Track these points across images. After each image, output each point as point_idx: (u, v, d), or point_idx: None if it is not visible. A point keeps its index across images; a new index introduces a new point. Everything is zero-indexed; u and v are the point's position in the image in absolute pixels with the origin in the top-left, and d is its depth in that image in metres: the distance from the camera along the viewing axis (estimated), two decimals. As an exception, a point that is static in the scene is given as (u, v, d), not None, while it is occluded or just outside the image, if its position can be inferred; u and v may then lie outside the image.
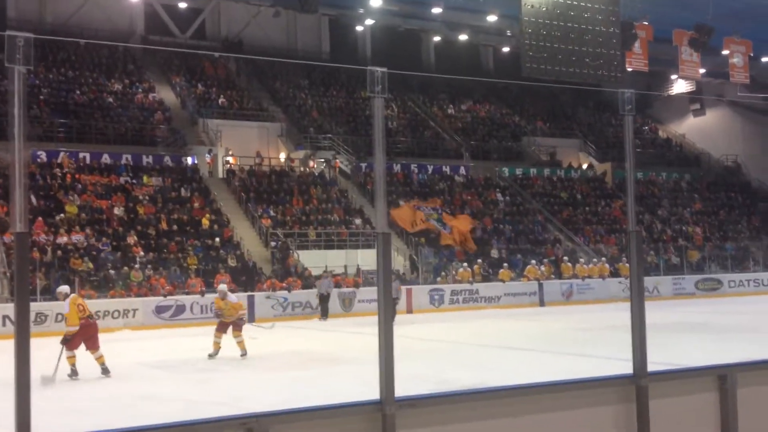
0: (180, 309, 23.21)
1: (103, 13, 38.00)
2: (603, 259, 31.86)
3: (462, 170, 38.01)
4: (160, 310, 23.03)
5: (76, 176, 28.78)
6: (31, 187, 26.21)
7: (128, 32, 38.82)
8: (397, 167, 35.84)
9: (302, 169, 34.75)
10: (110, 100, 34.27)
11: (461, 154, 39.71)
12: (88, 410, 10.44)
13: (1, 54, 3.92)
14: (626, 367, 5.42)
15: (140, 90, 36.01)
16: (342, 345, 17.79)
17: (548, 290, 29.30)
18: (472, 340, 18.15)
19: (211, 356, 15.11)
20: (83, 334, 12.95)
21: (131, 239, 26.27)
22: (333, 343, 18.23)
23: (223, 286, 16.52)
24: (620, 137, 39.38)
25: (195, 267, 25.74)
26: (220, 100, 37.11)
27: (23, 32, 3.84)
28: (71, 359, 12.84)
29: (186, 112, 36.27)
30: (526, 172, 39.83)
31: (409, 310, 26.09)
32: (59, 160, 29.30)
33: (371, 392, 4.57)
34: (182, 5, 38.79)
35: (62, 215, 26.42)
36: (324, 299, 24.69)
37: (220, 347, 15.24)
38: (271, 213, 30.20)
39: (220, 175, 33.11)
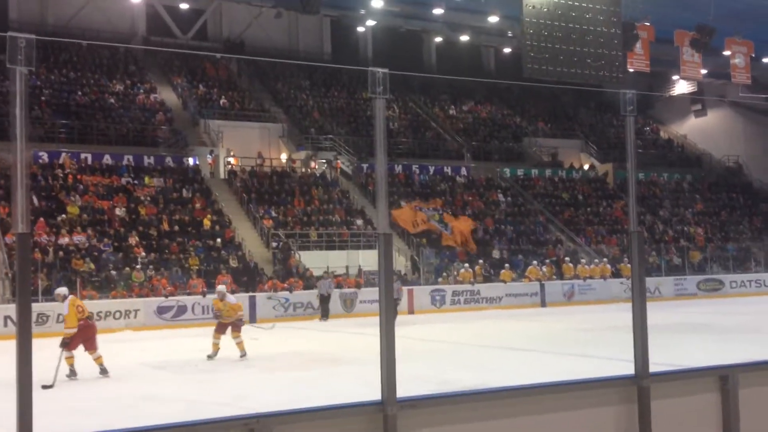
0: (181, 309, 23.22)
1: (105, 15, 38.03)
2: (604, 259, 31.84)
3: (463, 171, 38.01)
4: (161, 310, 23.04)
5: (78, 177, 28.81)
6: (33, 187, 26.22)
7: (130, 33, 38.86)
8: (398, 168, 35.87)
9: (303, 169, 34.76)
10: (112, 101, 34.30)
11: (462, 155, 39.72)
12: (90, 410, 10.44)
13: (3, 55, 3.93)
14: (628, 368, 5.42)
15: (142, 91, 36.04)
16: (343, 345, 17.78)
17: (550, 291, 29.29)
18: (474, 341, 18.14)
19: (210, 357, 15.07)
20: (82, 336, 12.94)
21: (133, 240, 26.29)
22: (334, 344, 18.22)
23: (221, 287, 16.49)
24: (622, 138, 39.34)
25: (196, 268, 25.75)
26: (221, 101, 37.13)
27: (25, 33, 3.84)
28: (70, 359, 12.83)
29: (187, 112, 36.30)
30: (528, 172, 39.82)
31: (411, 311, 26.09)
32: (61, 161, 29.33)
33: (373, 393, 4.57)
34: (184, 6, 38.83)
35: (64, 216, 26.44)
36: (324, 300, 24.70)
37: (219, 348, 15.20)
38: (273, 214, 30.21)
39: (222, 175, 33.13)
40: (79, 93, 33.97)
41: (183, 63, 39.48)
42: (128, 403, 10.83)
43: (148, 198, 28.89)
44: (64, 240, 25.17)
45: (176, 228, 27.84)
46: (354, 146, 36.61)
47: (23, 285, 3.90)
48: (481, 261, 30.15)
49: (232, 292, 22.82)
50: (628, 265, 25.37)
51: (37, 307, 19.22)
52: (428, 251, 30.31)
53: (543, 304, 28.75)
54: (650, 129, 48.80)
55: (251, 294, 24.39)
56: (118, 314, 22.31)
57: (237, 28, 41.14)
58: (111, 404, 10.86)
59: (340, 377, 12.54)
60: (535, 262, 30.36)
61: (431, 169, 37.23)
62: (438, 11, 34.98)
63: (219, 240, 27.54)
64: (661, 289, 30.63)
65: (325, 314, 24.50)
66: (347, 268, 28.13)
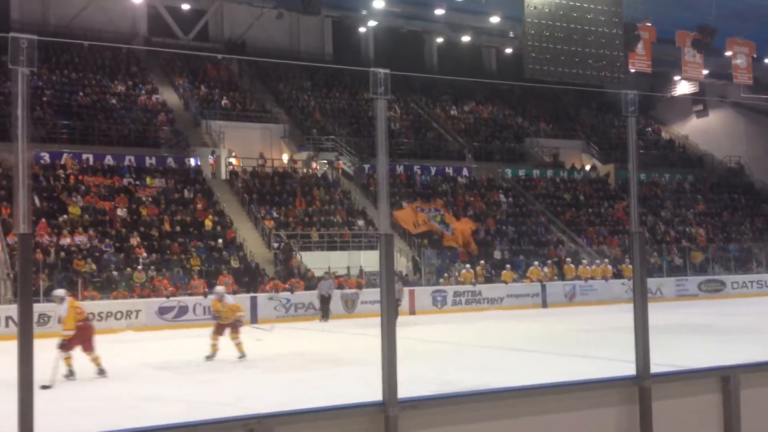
0: (183, 310, 23.22)
1: (106, 15, 38.08)
2: (606, 260, 31.83)
3: (465, 171, 38.01)
4: (162, 311, 23.05)
5: (79, 177, 28.83)
6: (35, 188, 26.24)
7: (131, 34, 38.90)
8: (399, 168, 35.87)
9: (305, 170, 34.77)
10: (113, 101, 34.33)
11: (464, 156, 39.71)
12: (91, 411, 10.44)
13: (5, 56, 3.93)
14: (629, 369, 5.42)
15: (143, 91, 36.06)
16: (345, 346, 17.78)
17: (551, 292, 29.28)
18: (475, 342, 18.14)
19: (208, 358, 14.94)
20: (80, 337, 12.95)
21: (134, 240, 26.30)
22: (336, 345, 18.22)
23: (219, 288, 16.43)
24: (623, 138, 39.35)
25: (198, 268, 25.77)
26: (223, 102, 37.15)
27: (27, 34, 3.84)
28: (67, 360, 12.83)
29: (189, 113, 36.32)
30: (529, 173, 39.81)
31: (412, 312, 26.09)
32: (62, 162, 29.36)
33: (374, 393, 4.57)
34: (185, 7, 38.85)
35: (65, 216, 26.46)
36: (325, 301, 24.69)
37: (217, 349, 15.10)
38: (274, 214, 30.22)
39: (223, 176, 33.14)
40: (81, 94, 34.00)
41: (184, 64, 39.51)
42: (129, 403, 10.83)
43: (150, 198, 28.91)
44: (66, 240, 25.19)
45: (178, 228, 27.85)
46: (355, 147, 36.63)
47: (24, 285, 3.90)
48: (482, 262, 30.15)
49: (234, 292, 22.85)
50: (630, 266, 25.38)
51: (38, 308, 19.22)
52: (429, 252, 30.31)
53: (544, 304, 28.73)
54: (652, 129, 48.79)
55: (252, 295, 24.39)
56: (119, 315, 22.33)
57: (238, 28, 41.17)
58: (112, 404, 10.86)
59: (341, 378, 12.54)
60: (536, 262, 30.35)
61: (433, 170, 37.23)
62: (439, 12, 35.00)
63: (220, 240, 27.55)
64: (663, 289, 30.61)
65: (325, 315, 24.50)
66: (348, 268, 28.14)
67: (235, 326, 15.28)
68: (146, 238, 26.83)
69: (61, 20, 37.46)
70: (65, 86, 34.24)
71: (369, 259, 27.96)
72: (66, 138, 31.25)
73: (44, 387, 11.53)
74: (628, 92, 5.60)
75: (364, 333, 19.05)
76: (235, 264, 26.61)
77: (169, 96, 36.93)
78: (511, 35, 37.37)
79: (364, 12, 36.47)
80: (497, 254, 31.88)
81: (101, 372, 13.05)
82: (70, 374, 12.80)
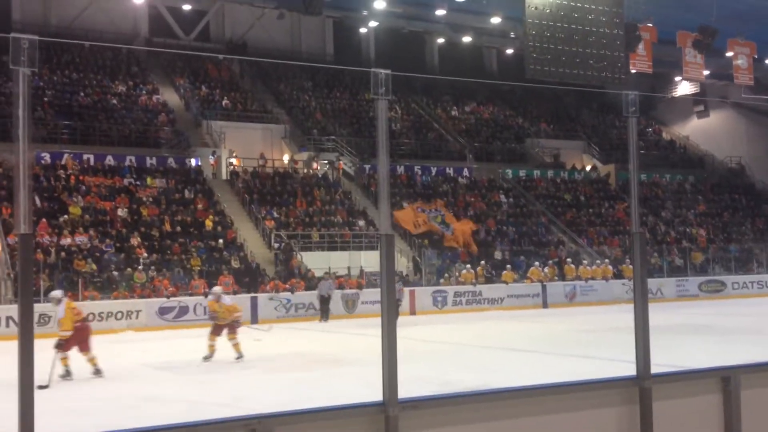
0: (183, 310, 23.22)
1: (108, 16, 38.10)
2: (606, 260, 31.83)
3: (465, 172, 38.01)
4: (163, 311, 23.05)
5: (80, 178, 28.85)
6: (35, 188, 26.26)
7: (132, 34, 38.92)
8: (400, 169, 35.88)
9: (306, 170, 34.78)
10: (114, 101, 34.34)
11: (465, 156, 39.72)
12: (91, 411, 10.44)
13: (6, 56, 3.93)
14: (629, 369, 5.42)
15: (144, 92, 36.07)
16: (345, 346, 17.78)
17: (551, 292, 29.28)
18: (476, 342, 18.14)
19: (205, 359, 14.87)
20: (77, 338, 12.97)
21: (135, 240, 26.31)
22: (336, 345, 18.22)
23: (217, 289, 16.37)
24: (624, 139, 39.32)
25: (198, 268, 25.77)
26: (223, 102, 37.16)
27: (28, 34, 3.84)
28: (64, 360, 12.83)
29: (190, 113, 36.33)
30: (530, 173, 39.81)
31: (413, 312, 26.09)
32: (63, 162, 29.37)
33: (374, 394, 4.57)
34: (186, 7, 38.85)
35: (66, 217, 26.47)
36: (324, 301, 24.69)
37: (215, 350, 15.02)
38: (275, 214, 30.23)
39: (224, 176, 33.16)
40: (82, 94, 34.01)
41: (185, 64, 39.52)
42: (129, 403, 10.83)
43: (150, 199, 28.92)
44: (66, 241, 25.20)
45: (178, 229, 27.86)
46: (356, 147, 36.63)
47: (25, 286, 3.90)
48: (482, 262, 30.15)
49: (234, 293, 22.88)
50: (630, 266, 25.39)
51: (38, 308, 19.21)
52: (430, 252, 30.32)
53: (545, 305, 28.73)
54: (653, 130, 48.78)
55: (253, 295, 24.40)
56: (119, 315, 22.34)
57: (239, 29, 41.19)
58: (112, 404, 10.87)
59: (341, 378, 12.54)
60: (537, 263, 30.36)
61: (433, 170, 37.24)
62: (440, 12, 35.01)
63: (221, 241, 27.55)
64: (663, 290, 30.61)
65: (324, 315, 24.50)
66: (349, 269, 28.14)
67: (232, 327, 15.21)
68: (147, 238, 26.84)
69: (62, 21, 37.48)
70: (66, 86, 34.26)
71: (369, 260, 27.96)
72: (67, 138, 31.27)
73: (41, 387, 11.53)
74: (628, 93, 5.59)
75: (364, 333, 19.05)
76: (235, 264, 26.62)
77: (169, 96, 36.95)
78: (512, 36, 37.37)
79: (365, 12, 36.48)
80: (498, 254, 31.88)
81: (97, 372, 13.06)
82: (67, 374, 12.81)
